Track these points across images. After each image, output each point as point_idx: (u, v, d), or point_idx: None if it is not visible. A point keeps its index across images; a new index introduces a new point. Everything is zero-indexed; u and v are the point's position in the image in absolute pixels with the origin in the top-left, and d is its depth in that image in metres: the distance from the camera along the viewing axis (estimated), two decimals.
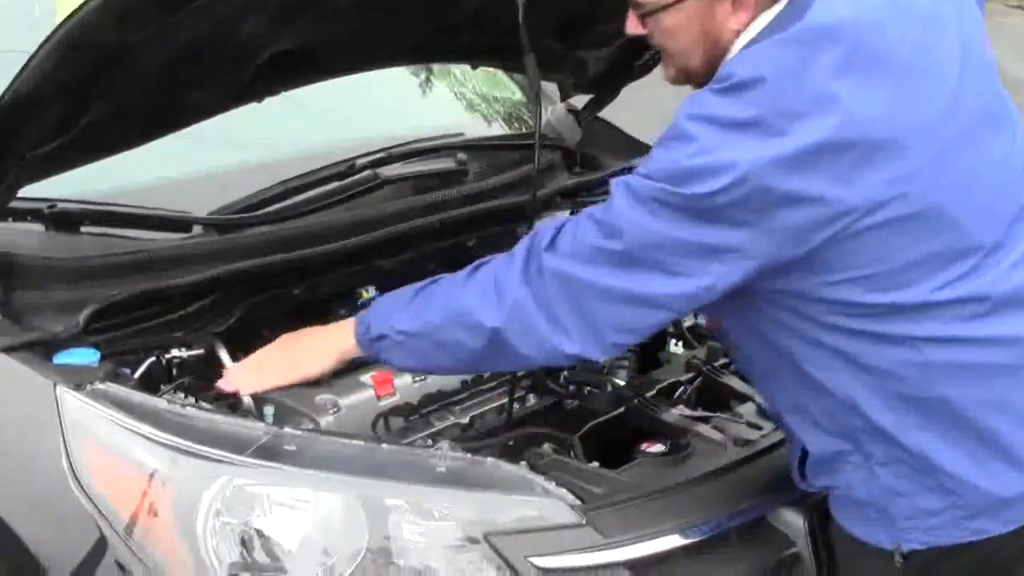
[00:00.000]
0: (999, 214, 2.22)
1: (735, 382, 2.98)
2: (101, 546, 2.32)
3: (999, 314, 2.19)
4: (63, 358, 2.55)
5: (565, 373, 3.13)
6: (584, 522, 2.37)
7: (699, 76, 2.31)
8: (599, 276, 2.24)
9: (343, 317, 3.20)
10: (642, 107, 4.59)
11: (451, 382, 3.04)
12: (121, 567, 2.30)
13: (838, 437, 2.29)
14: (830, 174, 2.08)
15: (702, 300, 2.26)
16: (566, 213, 3.66)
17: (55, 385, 2.43)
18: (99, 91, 2.55)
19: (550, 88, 3.90)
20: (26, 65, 2.37)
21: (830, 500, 2.43)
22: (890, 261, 2.14)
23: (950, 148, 2.16)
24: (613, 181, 2.27)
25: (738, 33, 2.25)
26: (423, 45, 3.45)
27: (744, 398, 2.93)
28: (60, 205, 2.90)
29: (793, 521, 2.56)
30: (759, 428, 2.77)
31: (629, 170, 3.79)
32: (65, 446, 2.38)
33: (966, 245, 2.17)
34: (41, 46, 2.37)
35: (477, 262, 2.46)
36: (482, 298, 2.37)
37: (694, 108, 2.16)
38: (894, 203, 2.11)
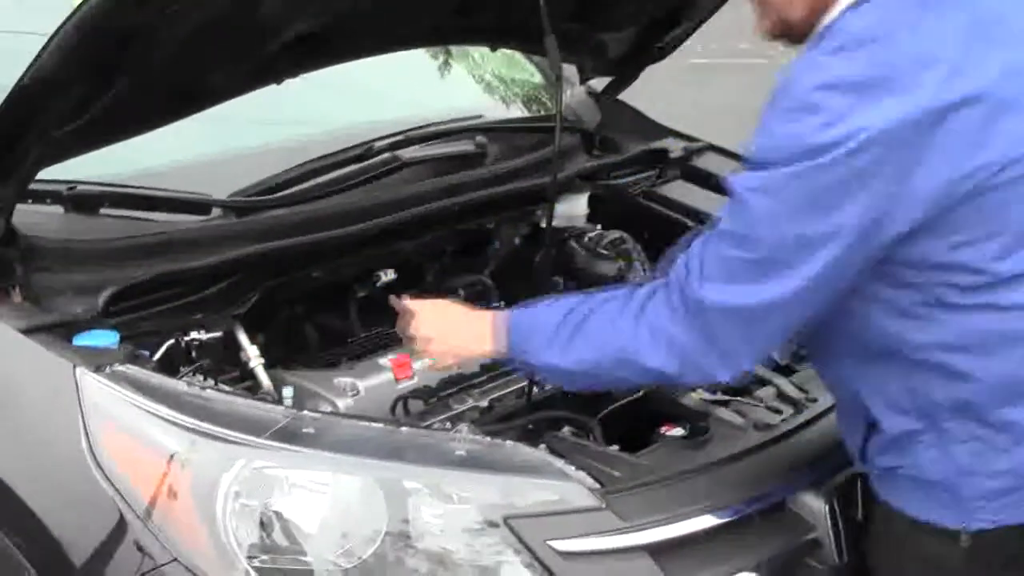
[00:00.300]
0: None
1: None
2: (120, 528, 2.32)
3: None
4: (83, 340, 2.55)
5: None
6: (604, 506, 2.36)
7: (798, 30, 2.23)
8: (759, 294, 2.14)
9: (361, 300, 3.21)
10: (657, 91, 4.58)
11: (471, 366, 3.04)
12: (140, 549, 2.29)
13: (914, 416, 2.25)
14: (959, 133, 2.03)
15: (847, 279, 2.16)
16: (585, 195, 3.66)
17: (74, 367, 2.43)
18: (120, 71, 2.54)
19: (569, 70, 3.90)
20: (47, 45, 2.36)
21: (881, 481, 2.39)
22: (1006, 225, 2.10)
23: None
24: (735, 183, 2.16)
25: None
26: (443, 26, 3.44)
27: (764, 382, 2.92)
28: (79, 187, 2.90)
29: (814, 505, 2.55)
30: (779, 412, 2.77)
31: (650, 152, 3.84)
32: (84, 428, 2.37)
33: None
34: (62, 26, 2.35)
35: (632, 298, 2.34)
36: (648, 345, 2.28)
37: (813, 74, 2.08)
38: (1014, 165, 2.06)
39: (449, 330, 2.60)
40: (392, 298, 2.74)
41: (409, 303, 2.68)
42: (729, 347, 2.22)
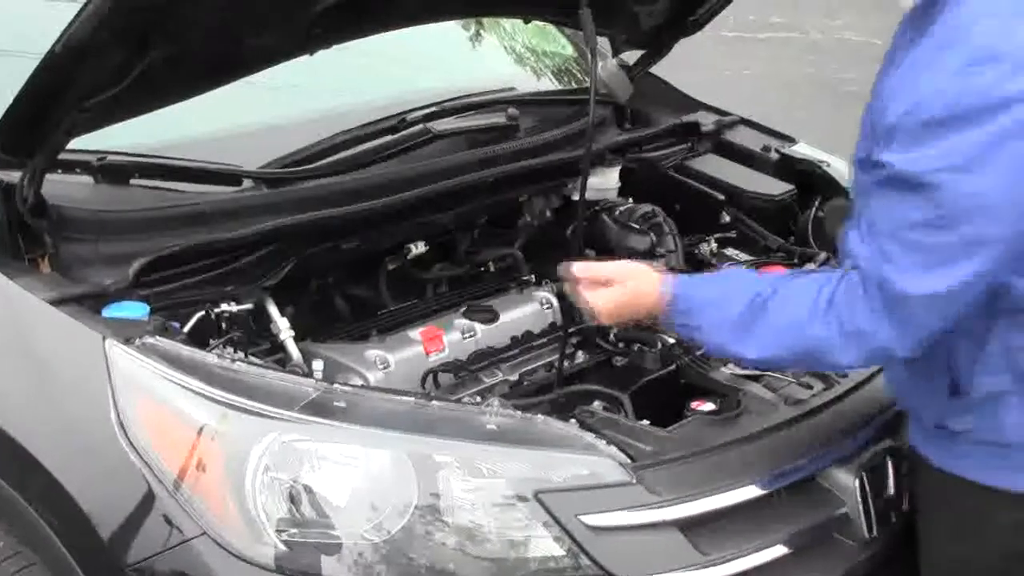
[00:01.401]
0: None
1: None
2: (149, 500, 2.33)
3: None
4: (112, 311, 2.55)
5: (615, 330, 3.11)
6: (634, 480, 2.36)
7: None
8: (956, 275, 2.09)
9: (392, 272, 3.21)
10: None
11: (501, 339, 3.04)
12: (169, 521, 2.30)
13: (1010, 376, 2.23)
14: None
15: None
16: (616, 169, 3.65)
17: (104, 338, 2.43)
18: (155, 37, 2.53)
19: (602, 43, 3.88)
20: (80, 12, 2.35)
21: (943, 446, 2.37)
22: None
23: None
24: (902, 168, 2.07)
25: None
26: None
27: None
28: (110, 158, 2.89)
29: (844, 481, 2.54)
30: (810, 387, 2.75)
31: (682, 126, 3.82)
32: (114, 400, 2.38)
33: None
34: None
35: (817, 292, 2.26)
36: (843, 345, 2.23)
37: (988, 24, 2.03)
38: None
39: (624, 303, 2.55)
40: (563, 267, 2.65)
41: (581, 275, 2.61)
42: (926, 332, 2.19)
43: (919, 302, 2.13)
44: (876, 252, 2.16)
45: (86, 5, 2.34)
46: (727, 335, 2.37)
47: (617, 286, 2.52)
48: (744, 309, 2.33)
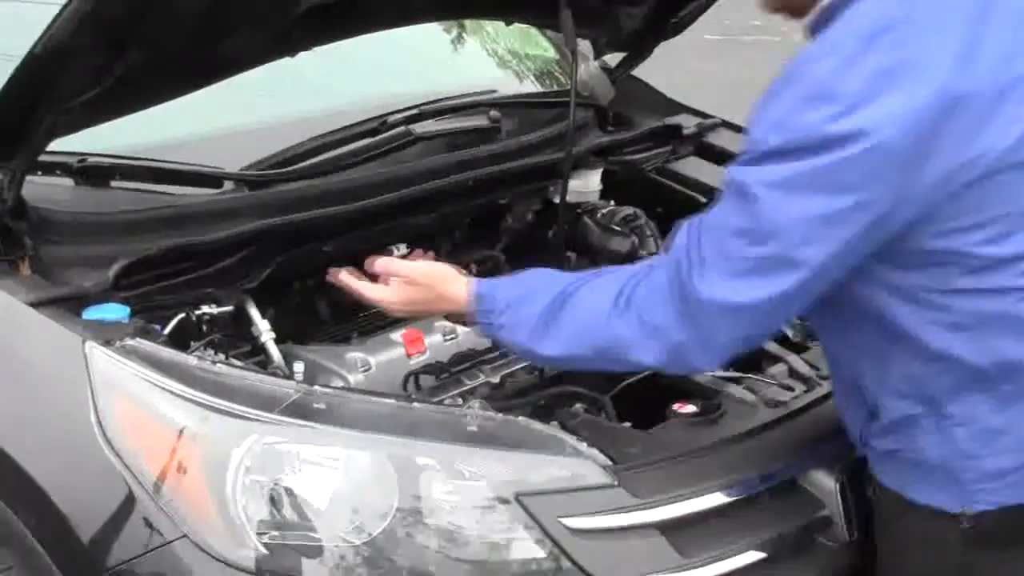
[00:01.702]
0: None
1: (767, 343, 2.95)
2: (129, 503, 2.31)
3: None
4: (92, 313, 2.54)
5: None
6: (616, 483, 2.35)
7: (798, 4, 2.21)
8: (762, 289, 2.10)
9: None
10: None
11: (483, 341, 3.03)
12: (149, 524, 2.29)
13: (916, 400, 2.24)
14: (967, 119, 2.00)
15: (845, 272, 2.15)
16: (598, 171, 3.65)
17: (84, 341, 2.42)
18: (136, 39, 2.52)
19: (583, 46, 3.88)
20: (60, 13, 2.34)
21: (880, 464, 2.38)
22: (1010, 205, 2.07)
23: None
24: (745, 176, 2.09)
25: None
26: None
27: (776, 359, 2.91)
28: (90, 159, 2.88)
29: (825, 483, 2.55)
30: (791, 389, 2.76)
31: (664, 128, 3.83)
32: (93, 402, 2.37)
33: None
34: None
35: (618, 287, 2.28)
36: (638, 340, 2.24)
37: (830, 59, 2.04)
38: (1019, 148, 2.04)
39: (419, 301, 2.62)
40: (368, 262, 2.72)
41: (380, 272, 2.68)
42: (724, 341, 2.20)
43: (713, 307, 2.14)
44: (694, 248, 2.16)
45: (66, 6, 2.33)
46: (528, 333, 2.38)
47: (409, 286, 2.59)
48: (545, 308, 2.35)
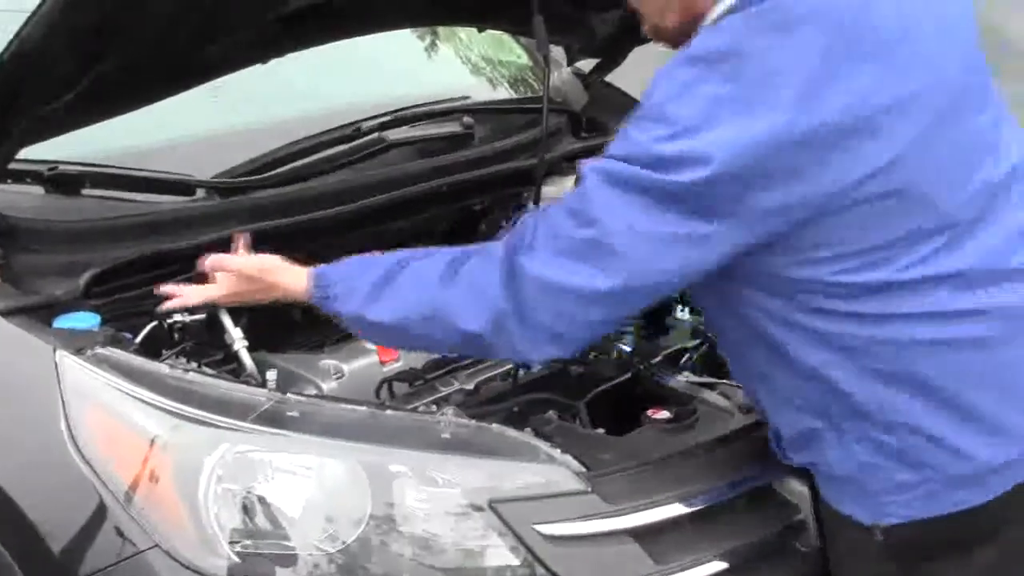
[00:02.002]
0: (977, 190, 2.16)
1: None
2: (100, 512, 2.30)
3: (976, 288, 2.14)
4: (63, 322, 2.53)
5: None
6: (589, 489, 2.35)
7: (673, 36, 2.25)
8: (574, 275, 2.14)
9: None
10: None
11: None
12: (120, 533, 2.28)
13: (812, 415, 2.26)
14: (809, 156, 2.01)
15: (675, 287, 2.23)
16: (572, 177, 3.64)
17: (54, 349, 2.41)
18: (109, 44, 2.51)
19: (557, 52, 3.88)
20: (30, 19, 2.33)
21: (809, 474, 2.41)
22: (864, 240, 2.08)
23: (931, 127, 2.09)
24: (586, 166, 2.17)
25: (715, 0, 2.16)
26: (436, 4, 3.42)
27: None
28: (61, 167, 2.88)
29: (799, 488, 2.54)
30: None
31: None
32: (64, 411, 2.36)
33: (942, 222, 2.11)
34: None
35: (452, 256, 2.33)
36: (464, 304, 2.26)
37: (666, 85, 2.08)
38: (871, 183, 2.04)
39: (247, 291, 2.62)
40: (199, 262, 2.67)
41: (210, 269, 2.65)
42: (544, 322, 2.20)
43: (535, 282, 2.17)
44: (530, 228, 2.21)
45: (36, 12, 2.32)
46: (360, 300, 2.38)
47: (238, 279, 2.59)
48: (380, 276, 2.36)
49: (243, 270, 2.60)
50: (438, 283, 2.28)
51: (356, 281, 2.40)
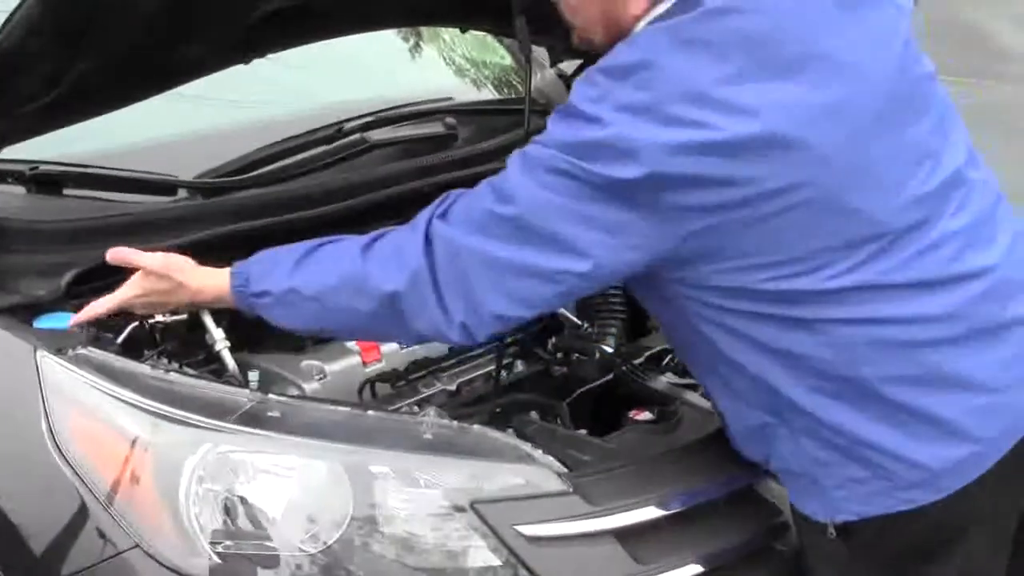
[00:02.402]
0: (909, 199, 2.17)
1: None
2: (82, 514, 2.30)
3: (914, 294, 2.15)
4: (45, 322, 2.53)
5: (553, 340, 3.12)
6: (571, 490, 2.35)
7: (602, 48, 2.27)
8: (486, 243, 2.19)
9: None
10: None
11: (439, 349, 3.03)
12: (102, 534, 2.28)
13: (762, 410, 2.28)
14: (725, 166, 2.04)
15: (594, 279, 2.22)
16: None
17: (35, 349, 2.41)
18: (88, 45, 2.51)
19: (540, 53, 3.88)
20: (9, 19, 2.33)
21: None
22: (789, 249, 2.11)
23: (855, 137, 2.11)
24: (516, 152, 2.23)
25: (638, 18, 2.23)
26: (418, 4, 3.41)
27: None
28: (43, 167, 2.86)
29: (780, 489, 2.54)
30: None
31: None
32: (45, 412, 2.35)
33: (876, 230, 2.13)
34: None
35: (373, 234, 2.38)
36: (383, 265, 2.30)
37: (585, 89, 2.15)
38: (790, 194, 2.06)
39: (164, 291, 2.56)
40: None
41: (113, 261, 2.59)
42: (445, 282, 2.24)
43: (445, 243, 2.23)
44: (459, 195, 2.30)
45: (15, 12, 2.31)
46: (279, 276, 2.41)
47: (147, 277, 2.54)
48: (301, 254, 2.41)
49: (148, 266, 2.54)
50: (359, 252, 2.34)
51: (276, 261, 2.44)
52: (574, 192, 2.11)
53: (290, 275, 2.39)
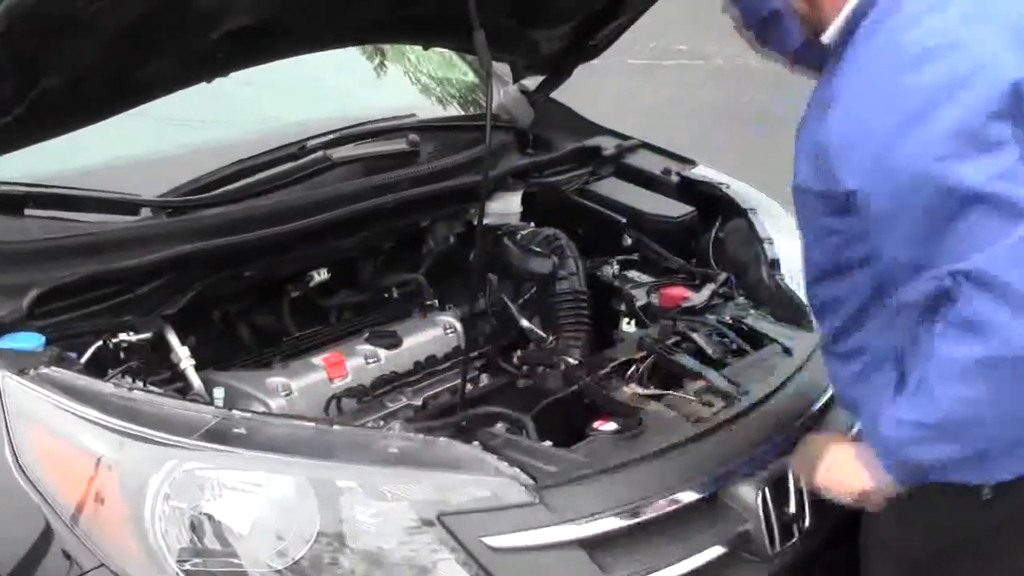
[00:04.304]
0: None
1: (687, 360, 2.96)
2: (47, 536, 2.30)
3: None
4: (6, 343, 2.52)
5: (518, 353, 3.12)
6: (536, 501, 2.36)
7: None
8: None
9: (294, 300, 3.19)
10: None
11: (405, 363, 3.03)
12: (67, 556, 2.27)
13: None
14: None
15: None
16: (518, 193, 3.65)
17: None
18: (49, 64, 2.51)
19: (503, 69, 3.89)
20: None
21: None
22: None
23: None
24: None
25: None
26: (380, 22, 3.42)
27: (696, 376, 2.91)
28: (3, 187, 2.85)
29: (746, 498, 2.56)
30: (711, 406, 2.76)
31: (583, 150, 3.83)
32: (8, 433, 2.35)
33: None
34: None
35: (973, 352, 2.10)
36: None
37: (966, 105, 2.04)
38: None
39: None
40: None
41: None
42: None
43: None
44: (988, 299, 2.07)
45: None
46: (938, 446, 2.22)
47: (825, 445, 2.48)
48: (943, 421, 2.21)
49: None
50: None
51: (909, 433, 2.22)
52: None
53: (940, 447, 2.19)
